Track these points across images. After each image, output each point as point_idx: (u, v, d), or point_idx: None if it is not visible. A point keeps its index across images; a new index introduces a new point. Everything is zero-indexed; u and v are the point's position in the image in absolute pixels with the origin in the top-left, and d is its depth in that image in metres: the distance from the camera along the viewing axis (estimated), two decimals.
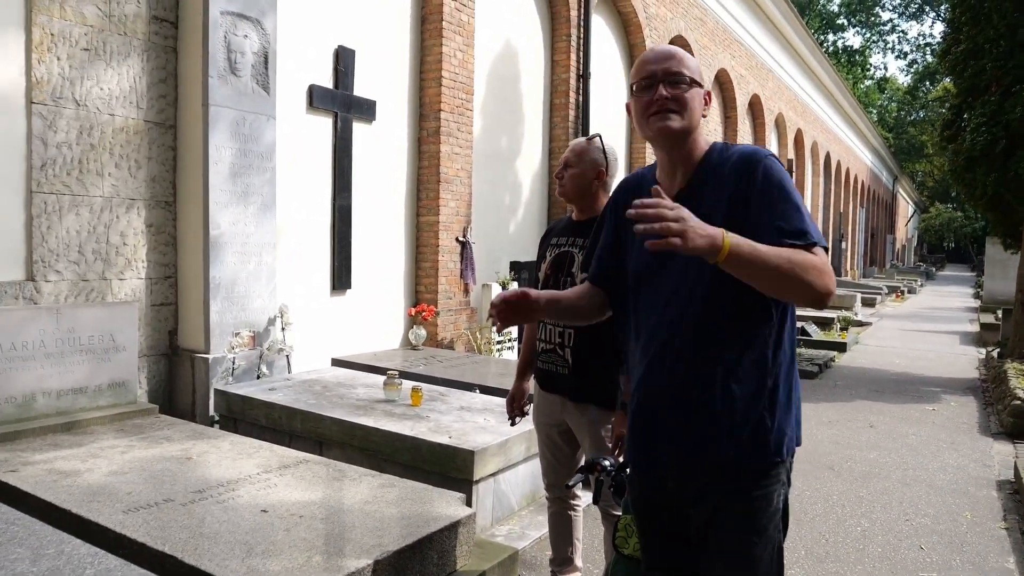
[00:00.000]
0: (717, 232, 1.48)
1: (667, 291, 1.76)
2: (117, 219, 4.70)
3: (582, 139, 2.85)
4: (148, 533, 2.64)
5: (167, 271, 5.02)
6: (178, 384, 5.01)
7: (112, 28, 4.62)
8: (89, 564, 2.21)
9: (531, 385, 3.02)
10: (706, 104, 1.81)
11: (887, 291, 22.50)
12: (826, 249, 1.66)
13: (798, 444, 1.80)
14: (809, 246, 1.59)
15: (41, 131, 4.31)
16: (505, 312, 1.83)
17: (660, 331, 1.77)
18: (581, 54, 9.38)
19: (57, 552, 2.28)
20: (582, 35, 9.36)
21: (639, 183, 1.94)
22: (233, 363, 4.96)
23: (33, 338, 3.94)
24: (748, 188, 1.68)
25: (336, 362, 6.03)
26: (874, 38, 49.55)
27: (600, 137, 2.83)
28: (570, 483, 2.38)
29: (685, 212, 1.46)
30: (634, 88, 1.82)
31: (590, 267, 2.05)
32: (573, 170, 2.78)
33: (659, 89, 1.75)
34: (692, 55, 1.86)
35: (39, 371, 3.98)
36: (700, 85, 1.79)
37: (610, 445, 2.63)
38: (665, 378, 1.76)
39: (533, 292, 1.85)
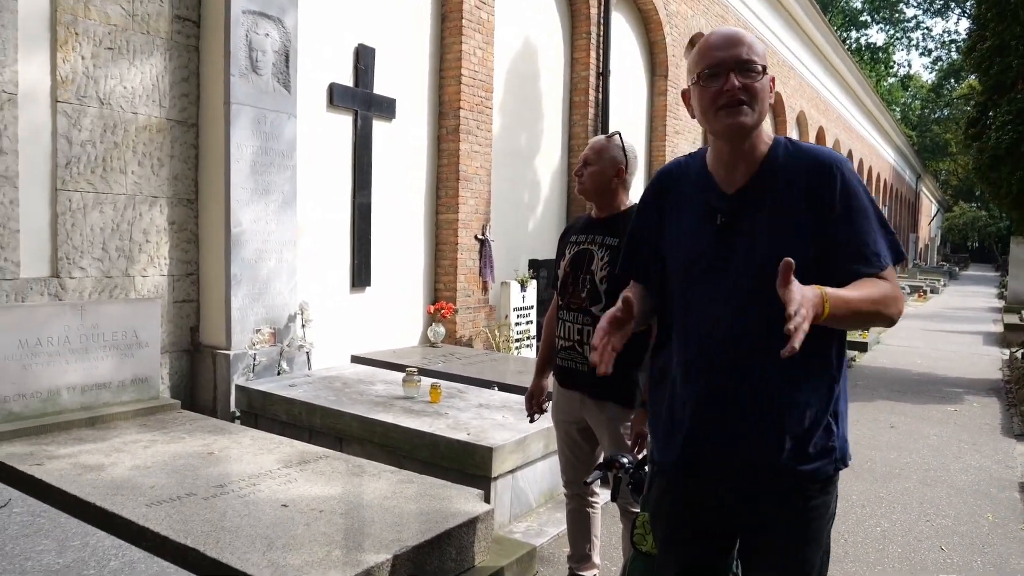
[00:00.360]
0: (820, 306, 1.43)
1: (727, 287, 1.66)
2: (140, 216, 4.76)
3: (602, 137, 2.84)
4: (171, 526, 2.67)
5: (189, 268, 5.07)
6: (200, 380, 5.06)
7: (135, 27, 4.68)
8: (113, 556, 2.24)
9: (550, 382, 3.03)
10: (771, 92, 1.67)
11: (909, 291, 22.25)
12: (898, 260, 1.64)
13: None
14: (883, 268, 1.60)
15: (66, 129, 4.37)
16: (612, 331, 1.59)
17: (720, 331, 1.66)
18: (601, 51, 9.36)
19: (82, 544, 2.32)
20: (602, 32, 9.33)
21: (683, 172, 1.82)
22: (254, 359, 5.01)
23: (58, 334, 4.00)
24: (825, 199, 1.60)
25: (355, 359, 6.06)
26: (898, 35, 48.94)
27: (620, 135, 2.82)
28: (588, 480, 2.38)
29: (806, 304, 1.37)
30: (698, 77, 1.65)
31: (630, 263, 1.92)
32: (593, 168, 2.77)
33: (730, 79, 1.60)
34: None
35: (64, 366, 4.03)
36: (767, 70, 1.65)
37: (629, 443, 2.63)
38: (728, 381, 1.66)
39: (631, 298, 1.62)
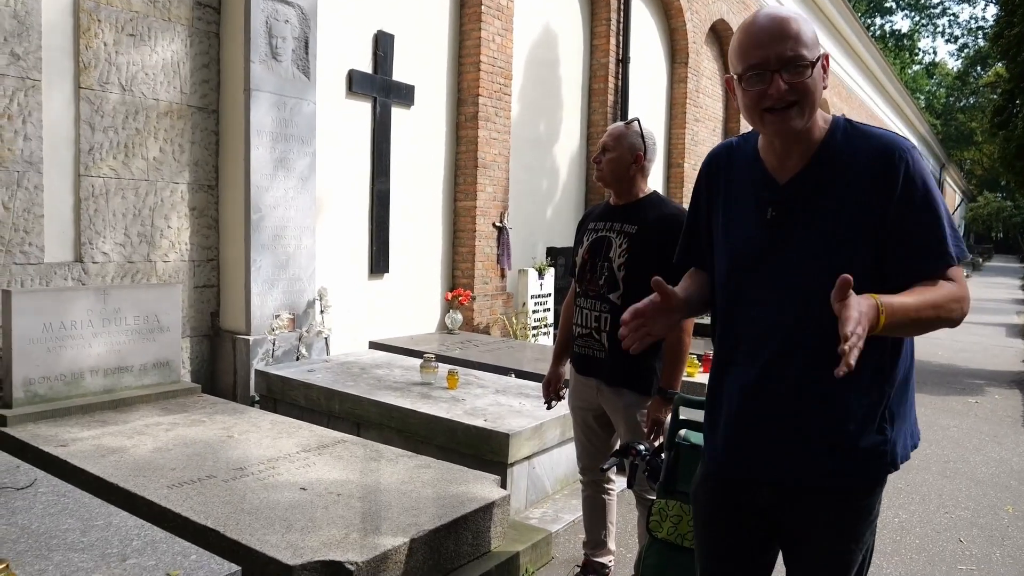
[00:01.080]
0: (875, 319, 1.33)
1: (775, 284, 1.57)
2: (161, 202, 4.80)
3: (620, 123, 2.83)
4: (191, 508, 2.71)
5: (209, 254, 5.12)
6: (220, 364, 5.12)
7: (156, 14, 4.70)
8: (136, 536, 2.28)
9: (567, 369, 3.03)
10: (824, 71, 1.51)
11: None
12: (963, 258, 1.52)
13: (915, 446, 1.67)
14: (949, 266, 1.48)
15: (89, 115, 4.42)
16: (652, 316, 1.55)
17: (777, 330, 1.56)
18: (621, 38, 9.29)
19: (105, 524, 2.36)
20: (622, 19, 9.27)
21: (732, 156, 1.70)
22: (273, 345, 5.05)
23: (81, 317, 4.06)
24: (886, 191, 1.47)
25: (373, 345, 6.10)
26: (923, 21, 48.18)
27: (638, 121, 2.81)
28: (604, 466, 2.39)
29: (863, 320, 1.29)
30: (740, 78, 1.51)
31: (687, 253, 1.83)
32: (611, 154, 2.76)
33: (776, 82, 1.46)
34: (803, 27, 1.50)
35: (87, 350, 4.09)
36: (817, 60, 1.49)
37: (645, 430, 2.63)
38: (771, 379, 1.57)
39: (669, 287, 1.56)
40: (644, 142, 2.76)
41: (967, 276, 29.05)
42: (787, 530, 1.67)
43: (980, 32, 44.08)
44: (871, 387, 1.55)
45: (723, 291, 1.69)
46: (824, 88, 1.52)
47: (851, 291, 1.29)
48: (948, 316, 1.47)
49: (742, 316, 1.64)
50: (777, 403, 1.58)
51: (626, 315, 1.54)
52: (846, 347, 1.24)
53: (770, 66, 1.46)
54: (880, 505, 1.66)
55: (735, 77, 1.54)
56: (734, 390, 1.64)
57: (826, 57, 1.51)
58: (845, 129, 1.56)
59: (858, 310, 1.28)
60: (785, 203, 1.57)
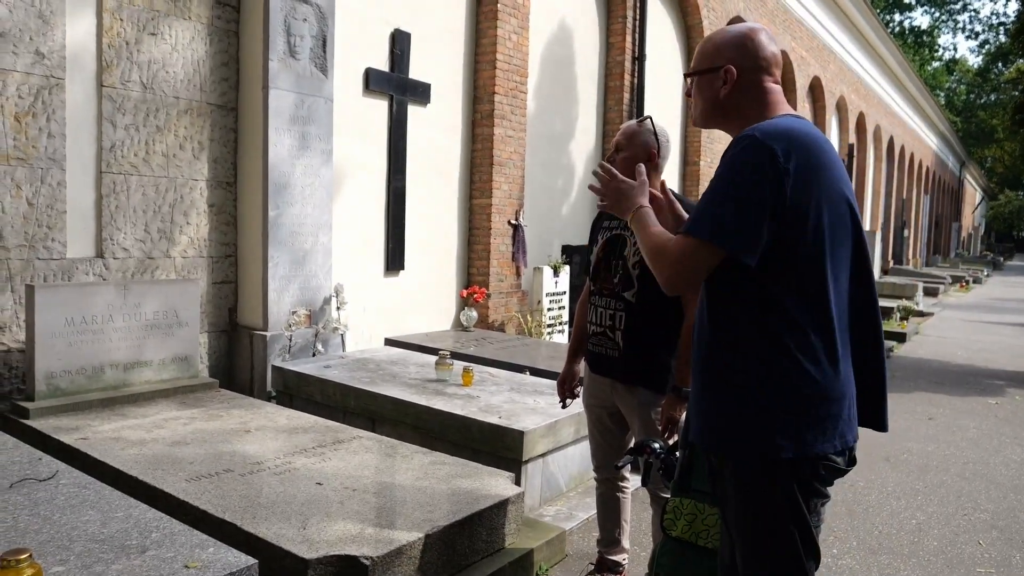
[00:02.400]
0: (633, 203, 1.92)
1: (851, 268, 1.74)
2: (181, 199, 4.85)
3: (633, 122, 2.82)
4: (209, 501, 2.74)
5: (228, 250, 5.16)
6: (237, 360, 5.16)
7: (177, 12, 4.75)
8: (155, 528, 2.31)
9: (582, 368, 3.04)
10: (725, 84, 1.82)
11: (951, 281, 21.79)
12: (704, 236, 1.64)
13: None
14: (684, 233, 1.70)
15: (110, 113, 4.47)
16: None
17: (866, 312, 1.78)
18: (637, 36, 9.27)
19: (125, 516, 2.40)
20: (638, 16, 9.24)
21: (805, 132, 1.71)
22: (290, 341, 5.09)
23: (102, 312, 4.11)
24: None
25: (389, 342, 6.13)
26: (943, 17, 47.67)
27: (651, 119, 2.80)
28: (619, 464, 2.39)
29: (621, 186, 1.95)
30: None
31: (752, 236, 1.63)
32: (624, 153, 2.75)
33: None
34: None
35: (107, 344, 4.15)
36: (704, 71, 1.86)
37: (660, 427, 2.63)
38: (695, 347, 1.84)
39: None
40: (657, 140, 2.75)
41: (987, 275, 28.76)
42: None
43: (1001, 28, 43.54)
44: (730, 362, 1.76)
45: (814, 272, 1.66)
46: (721, 95, 1.82)
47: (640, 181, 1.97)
48: (651, 256, 1.79)
49: (830, 296, 1.68)
50: (696, 368, 1.83)
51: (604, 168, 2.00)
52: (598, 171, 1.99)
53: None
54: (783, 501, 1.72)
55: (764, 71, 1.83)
56: (845, 372, 1.71)
57: (727, 71, 1.80)
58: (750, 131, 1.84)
59: (624, 181, 1.96)
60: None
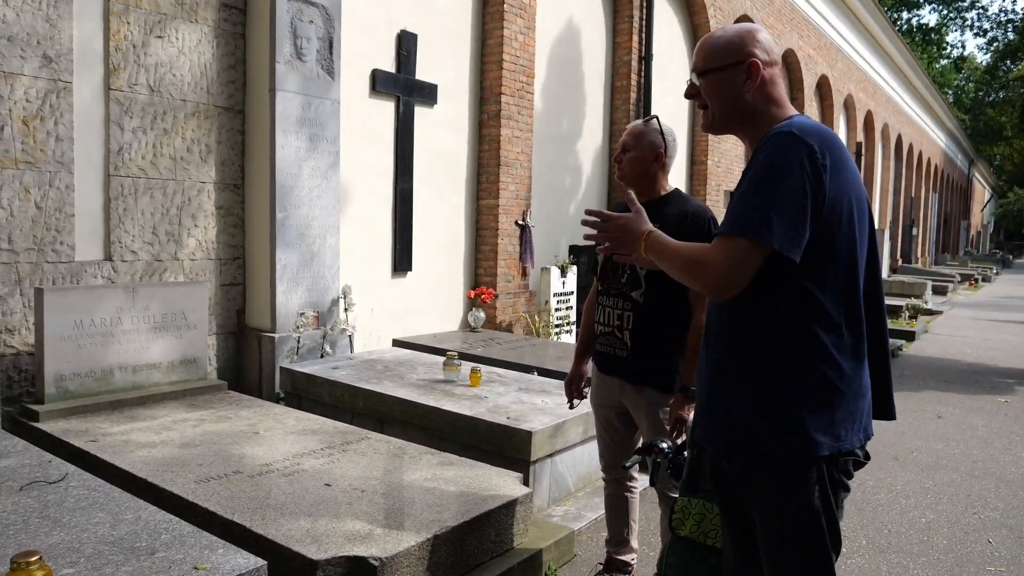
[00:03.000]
0: (639, 233, 1.80)
1: (866, 269, 1.73)
2: (189, 202, 4.87)
3: (639, 121, 2.81)
4: (218, 503, 2.75)
5: (235, 252, 5.18)
6: (245, 362, 5.18)
7: (184, 16, 4.77)
8: (164, 530, 2.32)
9: (589, 368, 3.04)
10: (750, 77, 1.77)
11: (959, 279, 21.69)
12: (752, 235, 1.58)
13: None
14: (727, 235, 1.64)
15: (118, 116, 4.49)
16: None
17: (876, 306, 1.76)
18: (643, 35, 9.25)
19: (135, 518, 2.40)
20: (644, 16, 9.23)
21: (826, 131, 1.70)
22: (298, 342, 5.10)
23: (111, 315, 4.13)
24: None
25: (397, 343, 6.14)
26: (951, 15, 47.43)
27: (657, 118, 2.80)
28: (627, 464, 2.39)
29: (619, 222, 1.82)
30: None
31: (798, 236, 1.61)
32: (632, 153, 2.75)
33: (690, 85, 1.88)
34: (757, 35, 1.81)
35: (116, 347, 4.16)
36: (713, 69, 1.79)
37: (668, 427, 2.63)
38: (707, 359, 1.83)
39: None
40: (664, 139, 2.75)
41: (996, 273, 28.61)
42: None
43: (1010, 25, 43.30)
44: (758, 364, 1.74)
45: (848, 262, 1.67)
46: (746, 93, 1.75)
47: (636, 210, 1.85)
48: (687, 270, 1.71)
49: (855, 299, 1.71)
50: (709, 373, 1.81)
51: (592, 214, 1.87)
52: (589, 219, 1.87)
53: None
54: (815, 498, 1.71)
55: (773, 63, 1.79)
56: (864, 373, 1.73)
57: (751, 65, 1.74)
58: (774, 132, 1.75)
59: (620, 218, 1.83)
60: None
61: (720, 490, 1.84)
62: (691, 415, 2.54)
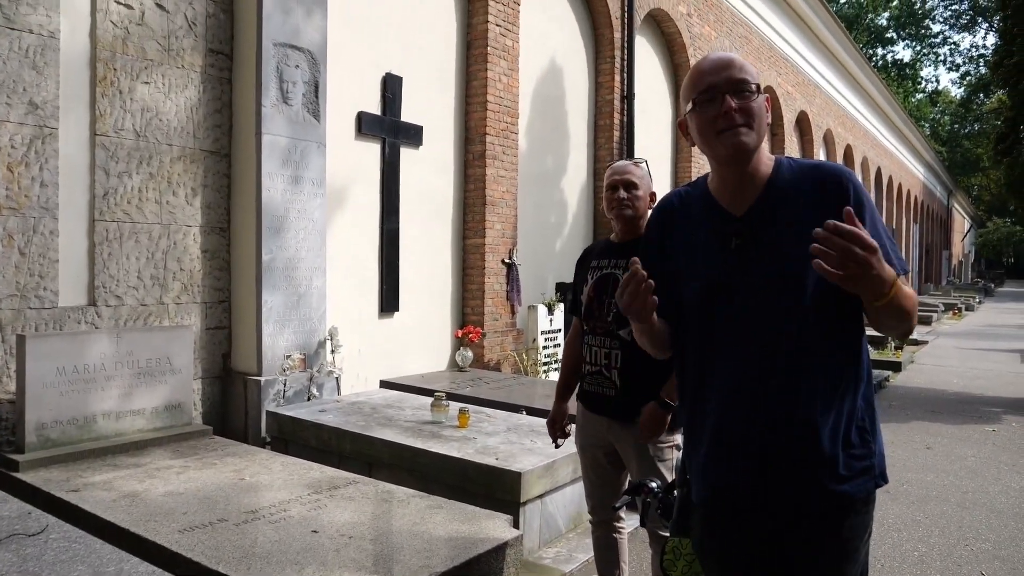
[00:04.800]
0: (891, 271, 1.42)
1: (749, 309, 1.63)
2: (174, 245, 4.86)
3: (628, 163, 2.85)
4: (203, 552, 2.70)
5: (221, 295, 5.16)
6: (231, 406, 5.12)
7: (171, 61, 4.81)
8: None
9: (572, 406, 3.03)
10: (767, 110, 1.66)
11: (943, 308, 21.88)
12: (906, 270, 1.61)
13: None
14: (903, 273, 1.56)
15: (104, 161, 4.50)
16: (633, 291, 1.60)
17: (745, 353, 1.63)
18: (625, 75, 9.41)
19: (117, 570, 2.36)
20: (626, 56, 9.39)
21: (685, 202, 1.80)
22: (284, 385, 5.06)
23: (94, 361, 4.09)
24: (839, 209, 1.49)
25: (384, 384, 6.10)
26: (924, 51, 48.60)
27: (646, 162, 2.88)
28: (616, 505, 2.37)
29: (877, 253, 1.37)
30: (694, 103, 1.64)
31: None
32: (639, 192, 2.79)
33: (726, 101, 1.58)
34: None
35: (99, 393, 4.11)
36: (762, 91, 1.64)
37: (641, 431, 2.62)
38: (758, 405, 1.62)
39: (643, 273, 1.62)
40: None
41: (979, 302, 28.89)
42: (787, 553, 1.66)
43: (981, 60, 44.39)
44: (851, 400, 1.62)
45: (696, 327, 1.72)
46: (768, 123, 1.65)
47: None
48: (913, 317, 1.55)
49: (718, 348, 1.68)
50: (763, 428, 1.62)
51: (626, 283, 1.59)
52: (837, 242, 1.33)
53: (720, 89, 1.60)
54: (872, 523, 1.69)
55: (689, 105, 1.66)
56: (717, 424, 1.68)
57: (768, 98, 1.66)
58: (789, 164, 1.69)
59: (877, 248, 1.37)
60: (747, 231, 1.66)
61: (758, 545, 1.70)
62: (679, 454, 2.53)
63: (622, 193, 2.80)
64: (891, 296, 1.43)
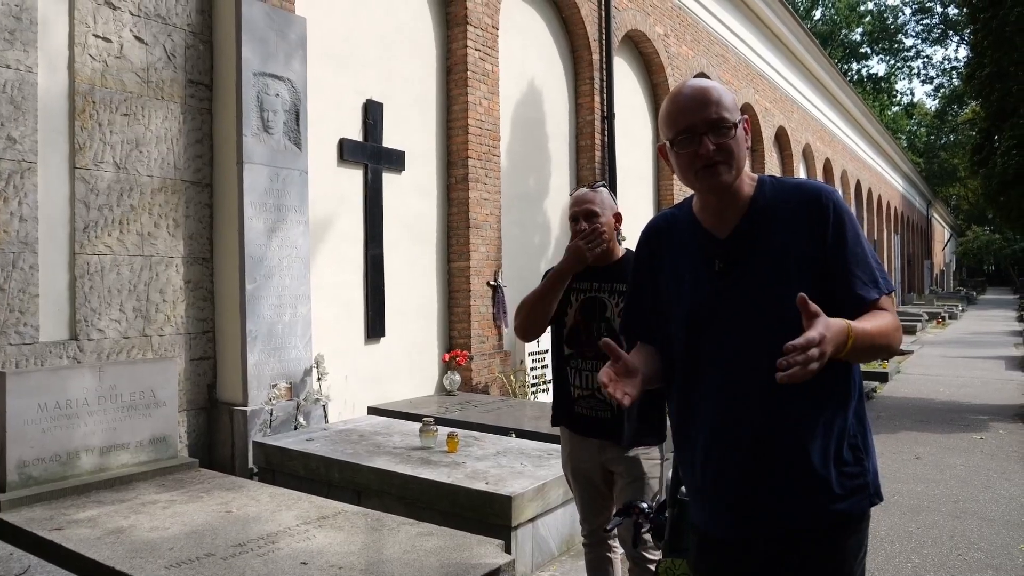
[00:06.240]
0: (844, 342, 1.43)
1: (735, 331, 1.64)
2: (156, 276, 4.83)
3: (587, 190, 2.78)
4: None
5: (205, 326, 5.12)
6: (217, 437, 5.07)
7: (150, 93, 4.80)
8: None
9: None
10: (746, 133, 1.68)
11: (927, 318, 22.05)
12: (891, 289, 1.65)
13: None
14: (884, 293, 1.61)
15: (84, 194, 4.47)
16: (621, 380, 1.58)
17: (733, 376, 1.64)
18: (605, 96, 9.49)
19: None
20: (605, 77, 9.48)
21: (671, 225, 1.83)
22: (271, 414, 5.02)
23: (77, 396, 4.03)
24: (820, 229, 1.61)
25: (372, 410, 6.06)
26: (898, 64, 49.40)
27: (605, 184, 2.87)
28: (608, 527, 2.36)
29: (826, 336, 1.37)
30: (672, 142, 1.66)
31: (634, 325, 1.88)
32: (602, 218, 2.74)
33: (704, 143, 1.60)
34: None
35: (82, 429, 4.06)
36: (738, 122, 1.65)
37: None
38: (747, 428, 1.63)
39: (620, 350, 1.60)
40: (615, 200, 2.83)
41: (962, 310, 29.15)
42: (782, 573, 1.66)
43: (954, 72, 45.16)
44: (842, 420, 1.64)
45: (682, 350, 1.74)
46: (747, 147, 1.69)
47: (819, 312, 1.38)
48: (894, 345, 1.59)
49: (704, 371, 1.70)
50: (754, 453, 1.63)
51: (602, 379, 1.54)
52: (796, 358, 1.32)
53: (698, 130, 1.61)
54: (868, 541, 1.71)
55: (668, 142, 1.68)
56: (708, 448, 1.69)
57: (747, 120, 1.68)
58: (771, 183, 1.71)
59: (824, 329, 1.37)
60: (730, 253, 1.68)
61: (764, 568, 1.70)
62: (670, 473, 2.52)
63: (583, 225, 2.74)
64: (849, 348, 1.45)
